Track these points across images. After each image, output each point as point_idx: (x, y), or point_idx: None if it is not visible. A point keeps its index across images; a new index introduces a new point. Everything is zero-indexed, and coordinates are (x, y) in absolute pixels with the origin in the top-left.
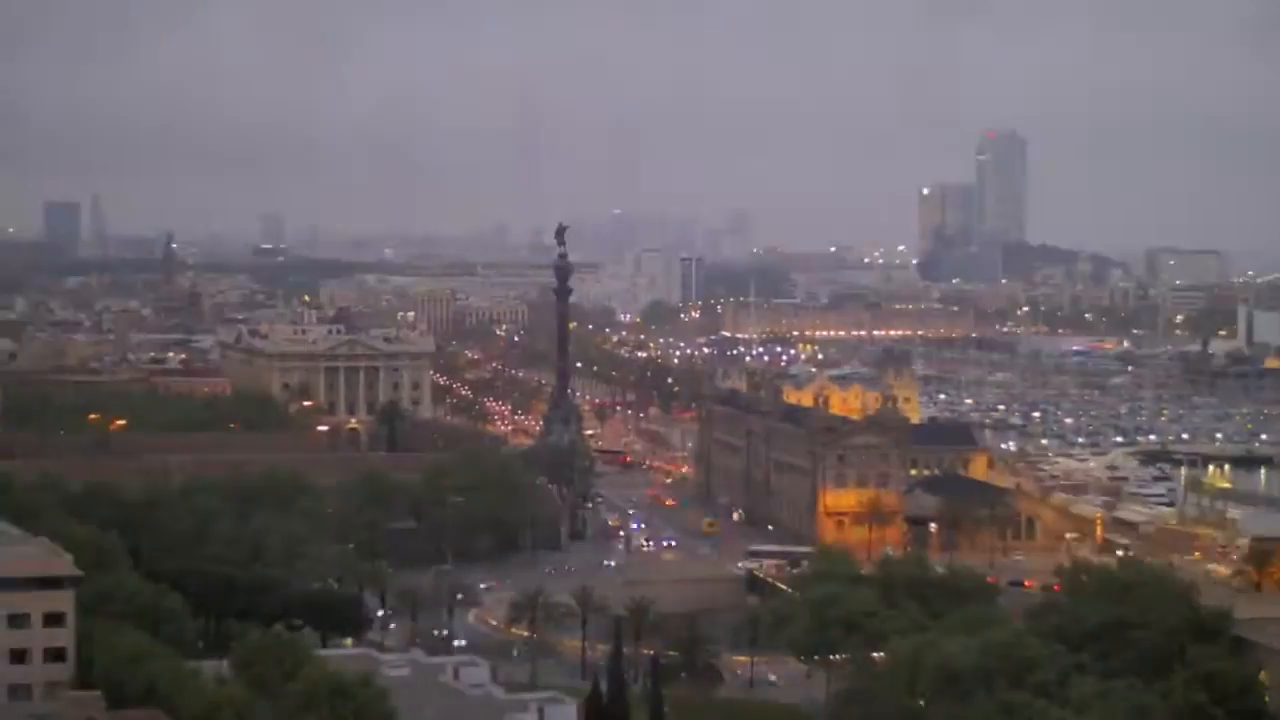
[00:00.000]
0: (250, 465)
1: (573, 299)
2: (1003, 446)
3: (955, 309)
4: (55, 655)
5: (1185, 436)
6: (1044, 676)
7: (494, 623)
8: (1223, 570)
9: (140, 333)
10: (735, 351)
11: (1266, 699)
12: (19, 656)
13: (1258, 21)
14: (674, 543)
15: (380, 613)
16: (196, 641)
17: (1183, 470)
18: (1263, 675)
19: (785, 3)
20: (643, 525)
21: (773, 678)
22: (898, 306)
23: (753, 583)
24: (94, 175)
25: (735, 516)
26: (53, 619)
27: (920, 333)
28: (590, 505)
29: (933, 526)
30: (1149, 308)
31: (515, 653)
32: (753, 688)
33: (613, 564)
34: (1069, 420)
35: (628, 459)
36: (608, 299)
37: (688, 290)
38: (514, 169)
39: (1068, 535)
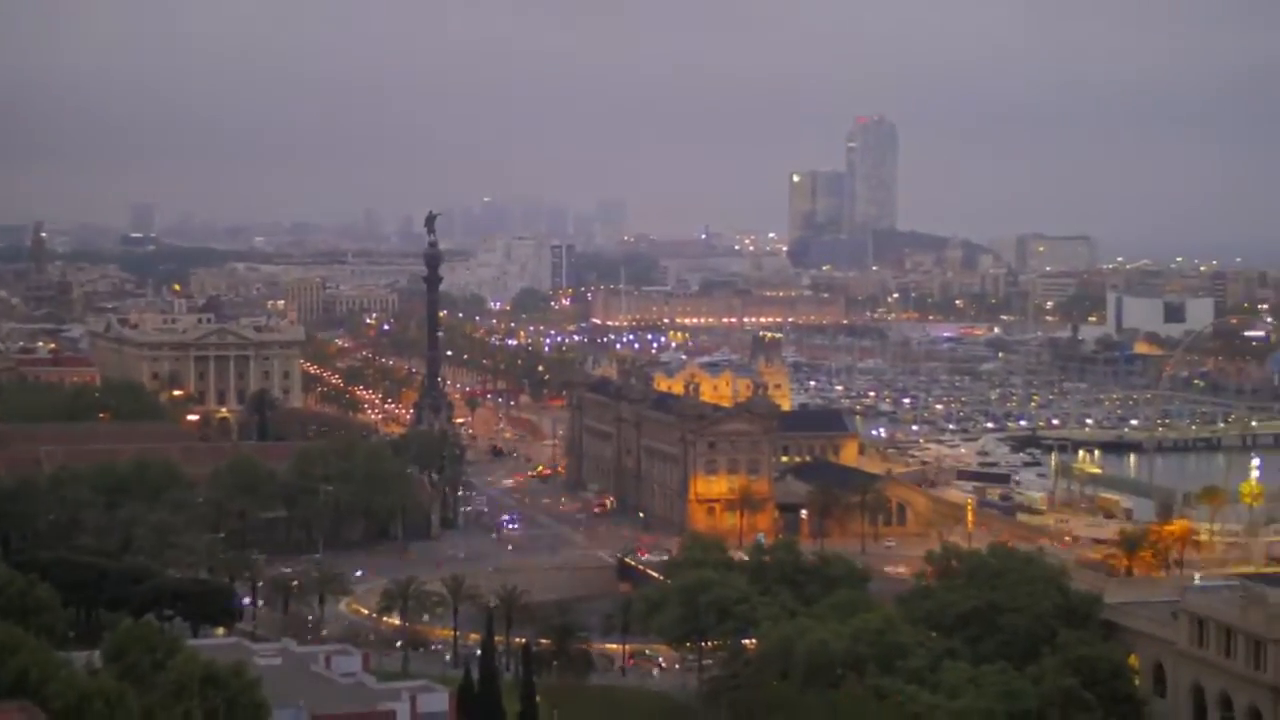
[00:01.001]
0: (120, 455)
1: (443, 287)
2: (873, 433)
3: (826, 296)
4: None
5: (1055, 422)
6: (915, 662)
7: (365, 612)
8: (1093, 554)
9: (9, 322)
10: (606, 339)
11: (1136, 682)
12: None
13: (1126, 3)
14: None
15: (251, 601)
16: (67, 632)
17: (1053, 456)
18: (1132, 659)
19: None
20: (514, 513)
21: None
22: (768, 293)
23: (624, 570)
24: None
25: (606, 503)
26: None
27: (791, 319)
28: (461, 493)
29: (804, 513)
30: (1019, 294)
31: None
32: (625, 675)
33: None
34: (939, 406)
35: (499, 447)
36: (478, 287)
37: (558, 278)
38: (384, 156)
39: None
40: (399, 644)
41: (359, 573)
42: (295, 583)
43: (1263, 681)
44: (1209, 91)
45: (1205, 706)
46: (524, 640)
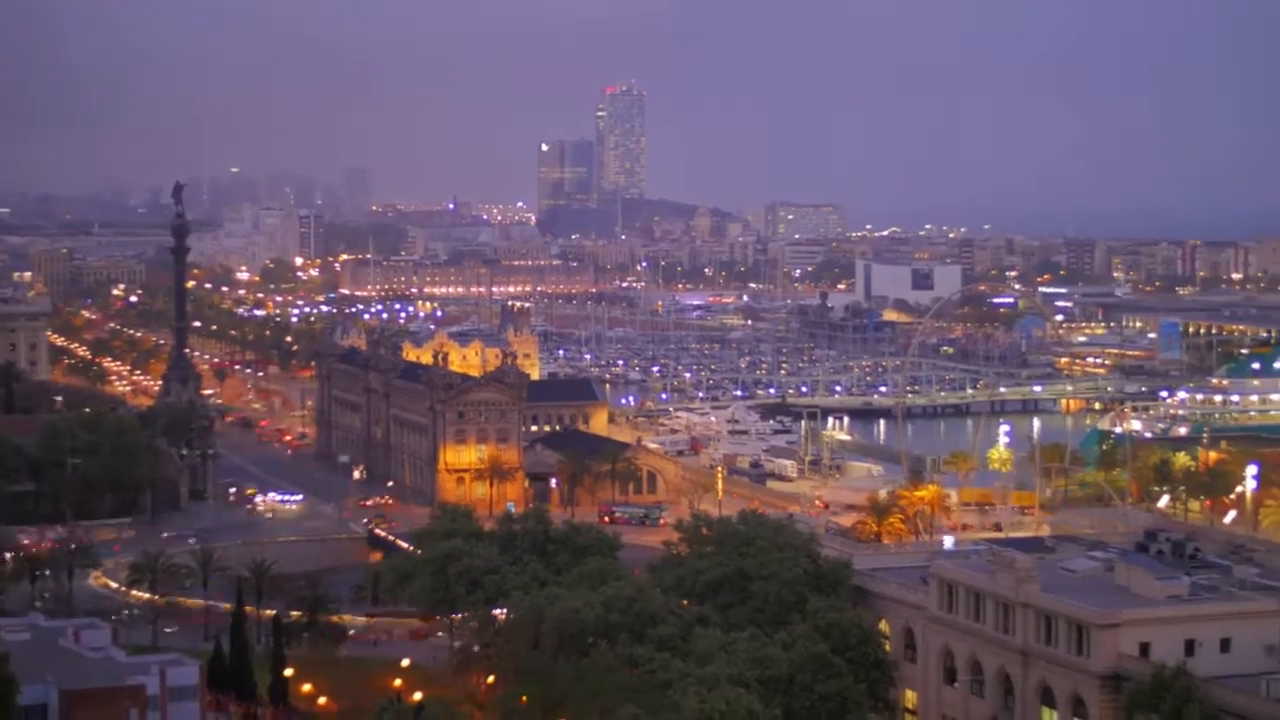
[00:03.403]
0: None
1: (191, 258)
2: (623, 401)
3: (575, 264)
4: None
5: (805, 389)
6: (666, 630)
7: (114, 585)
8: (844, 521)
9: None
10: (354, 309)
11: (887, 647)
12: None
13: None
14: (296, 500)
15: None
16: None
17: (803, 423)
18: (883, 624)
19: None
20: (263, 484)
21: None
22: (517, 263)
23: (374, 540)
24: None
25: (356, 474)
26: None
27: (540, 288)
28: (209, 464)
29: (554, 482)
30: (768, 262)
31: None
32: (375, 645)
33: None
34: (688, 374)
35: (248, 418)
36: (226, 257)
37: (306, 248)
38: (130, 127)
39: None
40: (151, 617)
41: (115, 547)
42: (43, 555)
43: (1011, 645)
44: (955, 61)
45: (955, 670)
46: (274, 612)
